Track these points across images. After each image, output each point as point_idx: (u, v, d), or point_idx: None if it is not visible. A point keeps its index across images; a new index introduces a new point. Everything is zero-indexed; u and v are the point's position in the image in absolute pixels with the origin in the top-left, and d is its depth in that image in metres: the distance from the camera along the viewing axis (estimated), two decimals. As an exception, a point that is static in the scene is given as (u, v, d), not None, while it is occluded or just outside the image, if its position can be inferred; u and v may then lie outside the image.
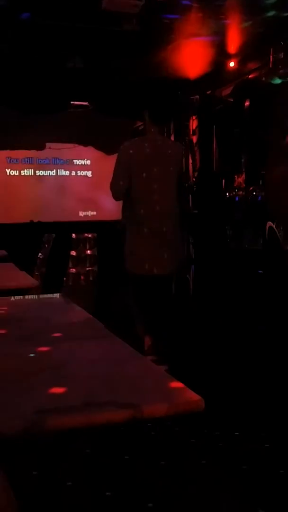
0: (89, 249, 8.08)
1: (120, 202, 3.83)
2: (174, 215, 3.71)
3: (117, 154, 3.70)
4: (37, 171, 7.86)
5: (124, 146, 3.66)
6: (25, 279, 2.55)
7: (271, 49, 5.32)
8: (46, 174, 7.92)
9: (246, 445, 2.72)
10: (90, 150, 7.91)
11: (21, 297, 2.10)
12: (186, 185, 7.34)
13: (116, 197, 3.70)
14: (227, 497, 2.27)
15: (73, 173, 8.04)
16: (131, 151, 3.58)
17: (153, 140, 3.66)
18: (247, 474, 2.43)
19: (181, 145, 6.70)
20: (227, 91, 6.34)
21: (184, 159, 7.19)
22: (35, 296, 2.23)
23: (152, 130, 3.68)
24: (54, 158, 7.88)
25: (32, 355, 1.15)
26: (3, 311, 1.59)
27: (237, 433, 2.85)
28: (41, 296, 2.32)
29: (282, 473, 2.42)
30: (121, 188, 3.58)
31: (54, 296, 2.07)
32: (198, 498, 2.25)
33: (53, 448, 1.88)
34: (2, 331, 1.28)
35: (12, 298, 1.93)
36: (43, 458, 2.24)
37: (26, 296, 2.18)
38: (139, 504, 2.17)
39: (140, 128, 3.72)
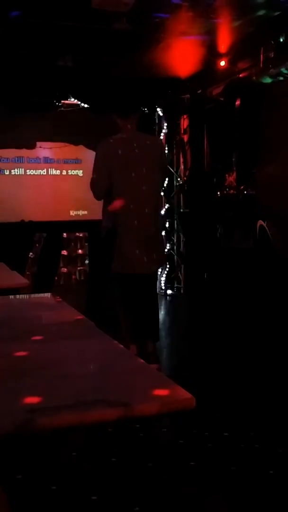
0: (80, 249, 8.06)
1: None
2: (159, 214, 3.73)
3: (97, 156, 3.62)
4: (27, 170, 7.83)
5: (104, 144, 3.58)
6: (16, 279, 2.54)
7: (262, 48, 5.33)
8: (36, 173, 7.88)
9: (235, 446, 2.70)
10: (80, 149, 7.89)
11: (12, 296, 2.10)
12: (177, 184, 7.37)
13: (98, 196, 3.63)
14: (216, 499, 2.26)
15: (64, 172, 8.02)
16: (112, 148, 3.52)
17: (132, 136, 3.59)
18: (236, 475, 2.42)
19: (159, 138, 6.72)
20: (217, 90, 6.35)
21: (173, 157, 7.23)
22: (26, 296, 2.22)
23: (129, 126, 3.59)
24: (45, 157, 7.86)
25: (22, 354, 1.14)
26: (-7, 311, 1.58)
27: (226, 434, 2.83)
28: (32, 295, 2.32)
29: (271, 474, 2.41)
30: (103, 187, 3.53)
31: (45, 296, 2.06)
32: (186, 500, 2.23)
33: (38, 451, 1.87)
34: (-7, 331, 1.27)
35: (3, 298, 1.92)
36: (27, 462, 2.22)
37: (17, 296, 2.17)
38: (126, 508, 2.13)
39: (128, 126, 3.66)
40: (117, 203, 3.46)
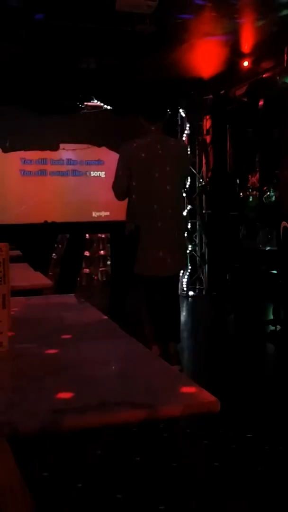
0: (102, 249, 8.10)
1: None
2: (181, 215, 3.72)
3: (120, 155, 3.64)
4: (51, 172, 7.89)
5: (127, 146, 3.60)
6: (40, 279, 2.56)
7: (286, 48, 5.29)
8: (59, 174, 7.94)
9: (259, 447, 2.69)
10: (103, 150, 7.92)
11: (36, 297, 2.11)
12: (200, 185, 7.34)
13: (120, 197, 3.65)
14: (239, 499, 2.25)
15: (87, 173, 8.06)
16: (135, 151, 3.53)
17: (156, 138, 3.60)
18: (260, 476, 2.41)
19: (183, 140, 6.68)
20: (241, 90, 6.32)
21: (195, 158, 7.20)
22: (49, 296, 2.24)
23: (153, 128, 3.61)
24: (67, 159, 7.91)
25: (47, 355, 1.15)
26: (17, 312, 1.60)
27: (250, 435, 2.83)
28: (56, 296, 2.33)
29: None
30: (125, 188, 3.55)
31: (68, 296, 2.08)
32: (210, 500, 2.24)
33: (64, 449, 1.89)
34: (17, 332, 1.28)
35: (27, 298, 1.94)
36: (54, 460, 2.24)
37: (40, 296, 2.19)
38: (150, 506, 2.16)
39: (152, 128, 3.66)
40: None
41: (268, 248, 5.10)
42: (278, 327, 4.73)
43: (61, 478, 1.66)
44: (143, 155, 3.52)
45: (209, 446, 2.74)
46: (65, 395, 0.88)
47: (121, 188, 3.57)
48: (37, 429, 0.77)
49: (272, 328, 4.79)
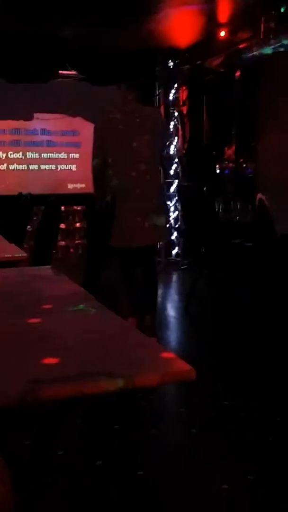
0: (78, 222, 8.04)
1: None
2: (158, 184, 3.72)
3: (97, 125, 3.61)
4: (24, 142, 7.75)
5: (102, 120, 3.58)
6: (15, 251, 2.53)
7: (262, 19, 5.24)
8: (34, 145, 7.82)
9: (235, 415, 2.76)
10: (78, 120, 7.81)
11: (11, 269, 2.10)
12: (176, 157, 7.31)
13: (97, 169, 3.61)
14: (216, 464, 2.32)
15: (62, 144, 7.95)
16: (112, 123, 3.51)
17: (133, 108, 3.58)
18: (235, 443, 2.49)
19: (159, 109, 6.63)
20: (217, 61, 6.26)
21: (170, 129, 7.15)
22: (25, 268, 2.22)
23: (129, 98, 3.59)
24: (42, 129, 7.78)
25: (24, 325, 1.15)
26: (-7, 283, 1.59)
27: (226, 403, 2.90)
28: (31, 268, 2.32)
29: (270, 441, 2.47)
30: (104, 158, 3.52)
31: (44, 269, 2.07)
32: (188, 466, 2.30)
33: (45, 418, 1.90)
34: (-7, 303, 1.28)
35: (2, 270, 1.92)
36: (34, 428, 2.26)
37: (16, 268, 2.18)
38: (129, 472, 2.21)
39: (128, 98, 3.62)
40: None
41: (244, 220, 5.14)
42: (252, 296, 4.79)
43: (41, 446, 1.69)
44: (120, 126, 3.50)
45: (186, 413, 2.80)
46: (43, 365, 0.89)
47: (100, 161, 3.55)
48: (15, 400, 0.77)
49: (247, 300, 4.85)
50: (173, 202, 7.45)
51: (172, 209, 7.45)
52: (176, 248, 7.42)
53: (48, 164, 7.89)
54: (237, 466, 2.28)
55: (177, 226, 7.43)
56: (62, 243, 7.89)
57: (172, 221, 7.45)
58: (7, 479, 0.95)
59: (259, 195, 4.86)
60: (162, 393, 2.98)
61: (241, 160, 5.72)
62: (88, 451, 2.38)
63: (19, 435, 2.23)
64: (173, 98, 7.23)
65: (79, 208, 7.98)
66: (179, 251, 7.35)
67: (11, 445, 1.12)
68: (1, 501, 0.87)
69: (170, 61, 6.93)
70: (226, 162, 6.01)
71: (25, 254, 2.52)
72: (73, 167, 7.99)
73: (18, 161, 7.70)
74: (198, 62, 6.68)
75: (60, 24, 5.78)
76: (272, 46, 5.30)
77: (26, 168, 7.75)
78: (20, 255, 2.43)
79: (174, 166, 7.33)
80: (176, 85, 7.14)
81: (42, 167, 7.85)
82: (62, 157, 7.96)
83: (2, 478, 0.93)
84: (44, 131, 7.80)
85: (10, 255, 2.39)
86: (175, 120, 7.25)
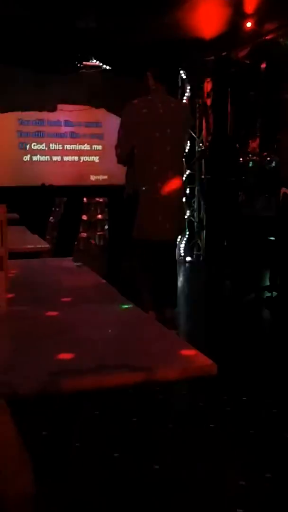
0: (100, 214, 8.06)
1: None
2: (181, 182, 3.68)
3: (123, 117, 3.58)
4: (48, 133, 7.78)
5: (128, 107, 3.53)
6: (37, 242, 2.55)
7: (290, 9, 5.14)
8: (57, 136, 7.83)
9: (254, 410, 2.75)
10: (101, 112, 7.79)
11: (34, 260, 2.11)
12: (199, 149, 7.26)
13: (122, 159, 3.59)
14: (233, 459, 2.31)
15: (85, 135, 7.95)
16: (137, 113, 3.47)
17: (158, 98, 3.54)
18: (253, 438, 2.47)
19: (187, 103, 6.57)
20: (243, 52, 6.17)
21: (195, 121, 7.09)
22: (47, 259, 2.23)
23: (156, 89, 3.51)
24: (65, 120, 7.79)
25: (44, 318, 1.15)
26: (15, 274, 1.59)
27: (244, 398, 2.88)
28: (53, 259, 2.33)
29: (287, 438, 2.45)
30: (128, 152, 3.49)
31: (66, 260, 2.07)
32: (205, 461, 2.29)
33: (63, 409, 1.92)
34: (14, 294, 1.28)
35: (25, 261, 1.93)
36: (52, 420, 2.28)
37: (39, 259, 2.19)
38: (146, 465, 2.21)
39: (153, 88, 3.59)
40: None
41: (267, 214, 5.08)
42: (275, 293, 4.76)
43: (59, 437, 1.70)
44: (144, 116, 3.47)
45: (204, 408, 2.79)
46: (64, 356, 0.89)
47: (124, 152, 3.52)
48: (36, 391, 0.77)
49: (269, 294, 4.82)
50: (196, 195, 7.41)
51: (194, 202, 7.42)
52: (198, 241, 7.39)
53: (71, 155, 7.90)
54: (254, 463, 2.26)
55: (199, 219, 7.39)
56: (84, 234, 7.92)
57: (194, 214, 7.42)
58: (30, 472, 0.96)
59: (283, 189, 4.80)
60: (179, 386, 2.97)
61: (265, 153, 5.65)
62: (105, 443, 2.39)
63: (36, 426, 2.26)
64: (198, 90, 7.17)
65: (101, 199, 7.98)
66: (201, 245, 7.32)
67: (28, 436, 1.13)
68: (24, 492, 0.88)
69: (195, 52, 6.86)
70: (250, 155, 5.94)
71: (47, 245, 2.53)
72: (96, 159, 7.99)
73: (42, 152, 7.73)
74: (223, 54, 6.60)
75: (85, 15, 5.77)
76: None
77: (49, 159, 7.77)
78: (42, 246, 2.45)
79: (197, 158, 7.29)
80: (200, 77, 7.08)
81: (65, 158, 7.87)
82: (85, 148, 7.96)
83: (26, 470, 0.93)
84: (67, 123, 7.81)
85: (32, 246, 2.41)
86: (199, 112, 7.19)
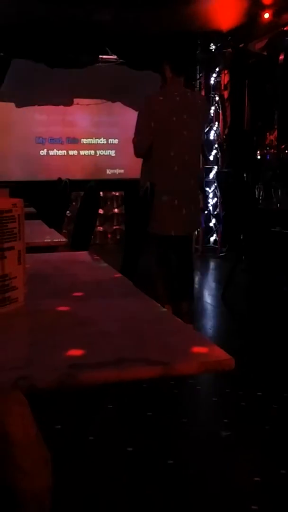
0: (116, 208, 8.06)
1: None
2: (198, 163, 3.69)
3: (141, 107, 3.58)
4: (65, 128, 7.79)
5: (147, 99, 3.55)
6: (54, 236, 2.55)
7: (309, -1, 5.08)
8: (74, 130, 7.85)
9: (269, 405, 2.73)
10: (118, 105, 7.79)
11: (50, 253, 2.12)
12: (217, 142, 7.21)
13: (141, 148, 3.58)
14: (248, 454, 2.30)
15: (101, 129, 7.95)
16: (155, 104, 3.48)
17: (177, 90, 3.54)
18: (268, 434, 2.46)
19: (204, 96, 6.53)
20: (261, 44, 6.11)
21: (212, 113, 7.05)
22: (64, 253, 2.24)
23: (175, 81, 3.55)
24: (82, 114, 7.80)
25: (63, 311, 1.16)
26: (32, 268, 1.60)
27: (259, 393, 2.87)
28: (70, 253, 2.33)
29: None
30: (147, 142, 3.49)
31: (82, 254, 2.08)
32: (219, 457, 2.29)
33: (76, 403, 1.92)
34: (32, 288, 1.29)
35: (42, 255, 1.94)
36: (66, 413, 2.29)
37: (55, 253, 2.20)
38: (160, 460, 2.21)
39: (170, 79, 3.59)
40: None
41: (284, 208, 5.04)
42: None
43: (73, 431, 1.71)
44: (161, 103, 3.49)
45: (218, 403, 2.79)
46: (81, 350, 0.89)
47: (144, 138, 3.51)
48: (54, 384, 0.77)
49: (286, 288, 4.78)
50: (212, 188, 7.37)
51: (211, 195, 7.38)
52: (215, 235, 7.35)
53: (87, 149, 7.92)
54: (269, 459, 2.25)
55: (216, 212, 7.36)
56: (100, 228, 7.94)
57: (211, 208, 7.39)
58: (49, 466, 0.96)
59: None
60: (194, 381, 2.97)
61: (283, 146, 5.59)
62: (119, 437, 2.39)
63: (50, 420, 2.27)
64: (215, 82, 7.12)
65: (117, 193, 7.99)
66: (218, 238, 7.28)
67: (44, 429, 1.13)
68: (42, 486, 0.89)
69: (211, 44, 6.81)
70: (268, 148, 5.89)
71: (64, 239, 2.53)
72: (112, 153, 8.00)
73: (58, 147, 7.76)
74: (240, 45, 6.54)
75: (100, 8, 5.75)
76: None
77: (65, 153, 7.80)
78: (59, 240, 2.45)
79: (214, 151, 7.24)
80: (217, 69, 7.03)
81: (82, 152, 7.88)
82: (101, 142, 7.97)
83: (45, 465, 0.94)
84: (84, 117, 7.82)
85: (49, 240, 2.41)
86: (216, 104, 7.14)
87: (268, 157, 5.79)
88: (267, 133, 5.99)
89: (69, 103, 7.70)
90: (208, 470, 2.17)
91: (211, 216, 7.35)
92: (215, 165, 7.28)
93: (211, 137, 7.16)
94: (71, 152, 7.83)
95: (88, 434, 2.34)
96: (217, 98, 7.12)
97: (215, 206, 7.39)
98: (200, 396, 2.91)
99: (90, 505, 1.95)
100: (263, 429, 2.49)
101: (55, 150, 7.75)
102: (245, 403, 2.76)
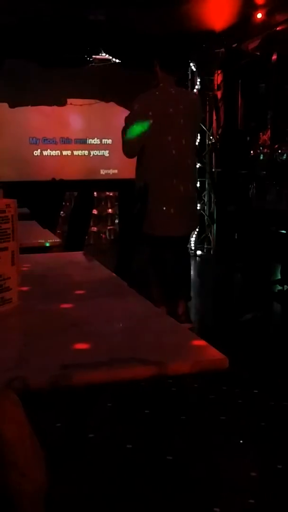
0: (110, 208, 8.06)
1: None
2: (193, 170, 3.66)
3: (132, 107, 3.56)
4: (58, 128, 7.78)
5: (140, 98, 3.52)
6: (48, 237, 2.55)
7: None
8: (67, 130, 7.83)
9: (265, 403, 2.75)
10: (111, 105, 7.78)
11: (45, 254, 2.12)
12: (209, 142, 7.22)
13: (131, 153, 3.57)
14: (244, 451, 2.31)
15: (95, 129, 7.94)
16: (149, 102, 3.46)
17: (169, 91, 3.52)
18: (265, 431, 2.47)
19: (197, 94, 6.54)
20: (254, 44, 6.12)
21: (205, 114, 7.05)
22: (58, 254, 2.24)
23: (168, 79, 3.53)
24: (75, 114, 7.79)
25: (56, 311, 1.16)
26: (26, 268, 1.60)
27: (256, 391, 2.88)
28: (64, 253, 2.33)
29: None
30: (137, 143, 3.47)
31: (77, 254, 2.08)
32: (216, 453, 2.30)
33: (76, 401, 1.92)
34: (26, 288, 1.29)
35: (36, 255, 1.94)
36: (66, 411, 2.30)
37: (50, 254, 2.20)
38: (159, 456, 2.23)
39: (161, 77, 3.58)
40: None
41: (278, 207, 5.05)
42: (286, 287, 4.73)
43: (73, 429, 1.72)
44: (155, 109, 3.46)
45: (216, 400, 2.80)
46: (75, 350, 0.89)
47: (133, 143, 3.49)
48: (47, 384, 0.78)
49: (280, 288, 4.79)
50: (206, 188, 7.38)
51: (205, 195, 7.39)
52: (209, 234, 7.37)
53: (81, 150, 7.91)
54: (266, 455, 2.27)
55: (209, 212, 7.37)
56: (94, 229, 7.93)
57: (205, 208, 7.40)
58: (43, 466, 0.96)
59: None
60: (191, 379, 2.98)
61: (276, 145, 5.61)
62: (119, 435, 2.41)
63: (50, 418, 2.28)
64: (208, 82, 7.12)
65: (111, 194, 7.99)
66: (212, 238, 7.30)
67: (41, 428, 1.13)
68: (38, 486, 0.88)
69: (204, 44, 6.81)
70: (261, 148, 5.90)
71: (58, 240, 2.53)
72: (106, 153, 7.99)
73: (52, 147, 7.74)
74: (233, 46, 6.55)
75: (94, 8, 5.75)
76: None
77: (59, 153, 7.78)
78: (53, 240, 2.45)
79: (207, 151, 7.26)
80: (210, 69, 7.04)
81: (75, 152, 7.87)
82: (95, 143, 7.96)
83: (39, 465, 0.94)
84: (77, 117, 7.81)
85: (43, 241, 2.41)
86: (209, 104, 7.16)
87: (262, 157, 5.80)
88: (260, 133, 6.00)
89: (62, 103, 7.68)
90: (206, 466, 2.18)
91: (205, 216, 7.36)
92: (209, 165, 7.29)
93: (205, 137, 7.16)
94: (64, 153, 7.82)
95: (88, 431, 2.35)
96: (210, 98, 7.13)
97: (209, 205, 7.40)
98: (198, 394, 2.93)
99: (89, 502, 1.96)
100: (260, 425, 2.51)
101: (48, 150, 7.73)
102: (242, 400, 2.78)
